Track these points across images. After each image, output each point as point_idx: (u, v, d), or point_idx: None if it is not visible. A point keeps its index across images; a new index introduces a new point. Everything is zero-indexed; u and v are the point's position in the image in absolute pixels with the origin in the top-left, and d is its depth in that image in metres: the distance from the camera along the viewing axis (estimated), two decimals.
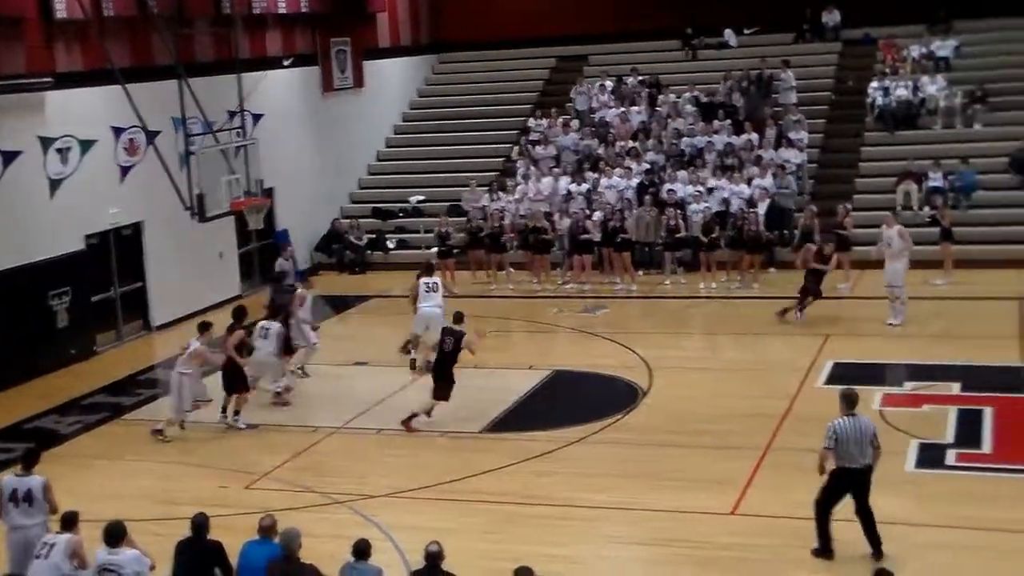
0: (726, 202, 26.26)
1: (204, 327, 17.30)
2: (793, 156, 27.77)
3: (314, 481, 15.06)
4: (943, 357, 19.13)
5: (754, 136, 28.34)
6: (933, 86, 29.42)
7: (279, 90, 28.03)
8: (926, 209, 26.24)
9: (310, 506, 14.05)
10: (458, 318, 17.16)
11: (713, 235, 25.17)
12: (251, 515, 11.52)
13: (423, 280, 19.55)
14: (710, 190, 26.39)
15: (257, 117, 26.32)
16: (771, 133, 28.41)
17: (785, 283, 24.39)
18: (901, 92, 29.40)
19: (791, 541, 12.46)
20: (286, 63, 28.60)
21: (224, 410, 17.33)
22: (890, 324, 20.83)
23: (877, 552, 11.78)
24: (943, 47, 30.78)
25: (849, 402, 11.96)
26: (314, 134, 29.67)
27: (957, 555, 12.00)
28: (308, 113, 29.51)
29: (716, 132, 28.73)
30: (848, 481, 11.80)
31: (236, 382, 17.19)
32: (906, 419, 15.96)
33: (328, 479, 15.19)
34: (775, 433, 15.86)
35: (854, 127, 29.83)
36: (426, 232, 28.53)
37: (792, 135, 28.38)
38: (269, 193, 26.16)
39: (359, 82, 31.34)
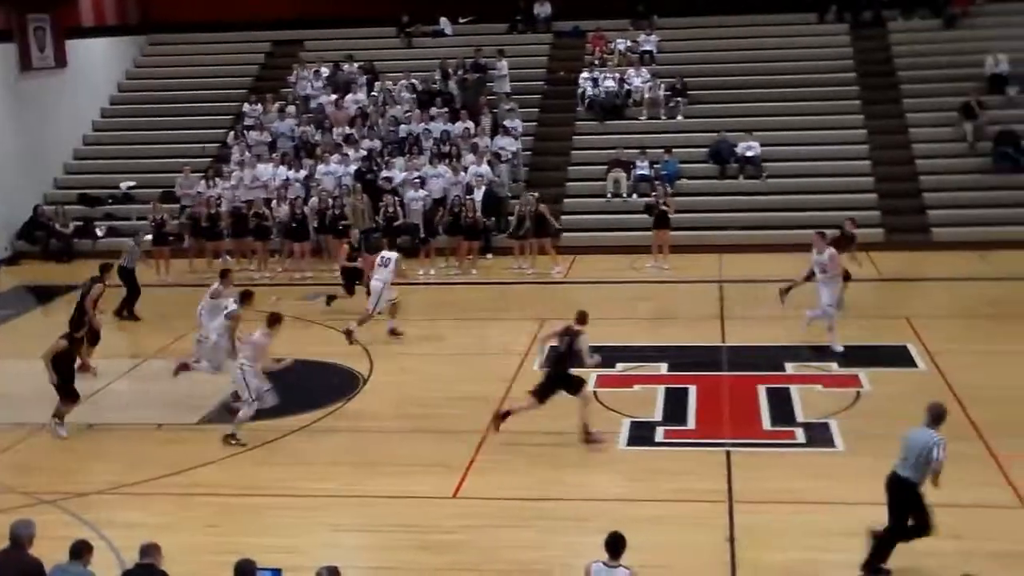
0: (444, 189, 26.56)
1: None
2: (508, 144, 28.36)
3: (17, 481, 14.32)
4: (652, 339, 20.05)
5: (470, 124, 28.75)
6: (638, 78, 30.67)
7: None
8: (634, 196, 27.43)
9: (12, 508, 13.22)
10: (581, 318, 15.49)
11: (436, 222, 25.52)
12: None
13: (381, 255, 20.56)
14: (421, 181, 26.55)
15: None
16: (487, 121, 28.91)
17: (501, 268, 24.97)
18: (609, 83, 30.53)
19: (511, 523, 12.78)
20: None
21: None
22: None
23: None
24: (647, 41, 32.15)
25: (930, 414, 11.36)
26: (11, 115, 28.12)
27: (665, 526, 12.52)
28: (4, 93, 27.94)
29: (433, 119, 28.99)
30: (887, 483, 11.38)
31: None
32: (619, 399, 16.61)
33: (34, 478, 14.47)
34: None
35: (566, 116, 30.74)
36: (138, 219, 27.52)
37: (507, 123, 28.97)
38: None
39: (61, 61, 29.89)
